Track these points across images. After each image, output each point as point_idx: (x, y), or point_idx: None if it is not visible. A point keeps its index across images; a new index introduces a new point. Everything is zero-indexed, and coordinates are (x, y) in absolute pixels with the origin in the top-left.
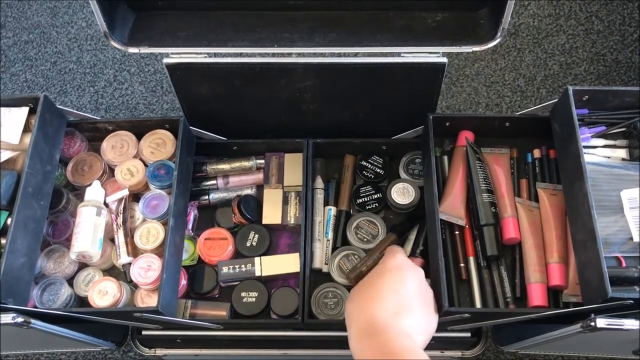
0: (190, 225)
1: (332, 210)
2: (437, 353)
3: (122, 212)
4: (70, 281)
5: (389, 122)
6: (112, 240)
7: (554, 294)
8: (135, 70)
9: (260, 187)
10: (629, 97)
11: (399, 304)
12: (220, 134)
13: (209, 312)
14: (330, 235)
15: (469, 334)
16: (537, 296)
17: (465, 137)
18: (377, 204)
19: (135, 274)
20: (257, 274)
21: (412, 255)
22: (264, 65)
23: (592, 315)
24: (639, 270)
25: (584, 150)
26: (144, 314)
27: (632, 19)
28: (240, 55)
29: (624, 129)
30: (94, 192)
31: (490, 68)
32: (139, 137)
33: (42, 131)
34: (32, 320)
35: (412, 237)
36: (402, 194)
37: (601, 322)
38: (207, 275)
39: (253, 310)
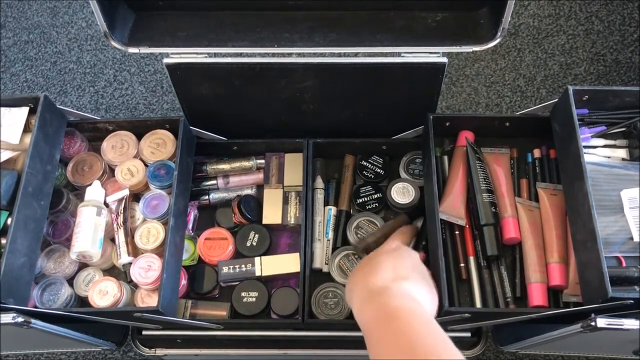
0: (190, 225)
1: (332, 210)
2: None
3: (122, 212)
4: (70, 281)
5: (389, 122)
6: (113, 240)
7: (554, 293)
8: (135, 70)
9: (260, 187)
10: (629, 97)
11: (396, 273)
12: (220, 134)
13: (209, 312)
14: (331, 235)
15: (469, 334)
16: (537, 296)
17: (466, 137)
18: (377, 204)
19: (135, 273)
20: (257, 274)
21: (415, 248)
22: (264, 65)
23: (592, 315)
24: (639, 270)
25: (584, 150)
26: (144, 314)
27: (632, 19)
28: (240, 55)
29: (624, 129)
30: (94, 192)
31: (490, 68)
32: (139, 137)
33: (42, 131)
34: (33, 320)
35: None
36: (402, 193)
37: (601, 322)
38: (207, 275)
39: (253, 310)
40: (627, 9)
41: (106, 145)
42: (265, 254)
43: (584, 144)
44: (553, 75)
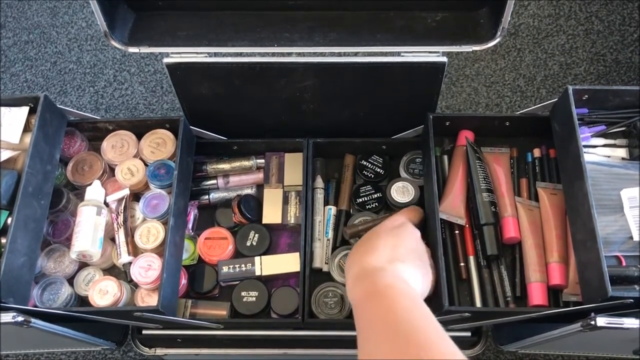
0: (190, 225)
1: (332, 209)
2: None
3: (122, 211)
4: (70, 280)
5: (389, 121)
6: (113, 239)
7: (554, 293)
8: (135, 70)
9: (260, 187)
10: (628, 96)
11: (393, 255)
12: (220, 134)
13: (209, 311)
14: (331, 234)
15: (469, 334)
16: (537, 295)
17: (465, 136)
18: (377, 204)
19: (135, 273)
20: (257, 273)
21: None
22: (264, 65)
23: (592, 314)
24: (639, 269)
25: (584, 150)
26: (144, 314)
27: (632, 19)
28: (240, 55)
29: (623, 128)
30: (94, 191)
31: (490, 68)
32: (139, 136)
33: (43, 131)
34: (33, 320)
35: None
36: (402, 192)
37: (601, 321)
38: (207, 274)
39: (253, 310)
40: (627, 9)
41: (106, 144)
42: (265, 253)
43: (583, 143)
44: (553, 75)
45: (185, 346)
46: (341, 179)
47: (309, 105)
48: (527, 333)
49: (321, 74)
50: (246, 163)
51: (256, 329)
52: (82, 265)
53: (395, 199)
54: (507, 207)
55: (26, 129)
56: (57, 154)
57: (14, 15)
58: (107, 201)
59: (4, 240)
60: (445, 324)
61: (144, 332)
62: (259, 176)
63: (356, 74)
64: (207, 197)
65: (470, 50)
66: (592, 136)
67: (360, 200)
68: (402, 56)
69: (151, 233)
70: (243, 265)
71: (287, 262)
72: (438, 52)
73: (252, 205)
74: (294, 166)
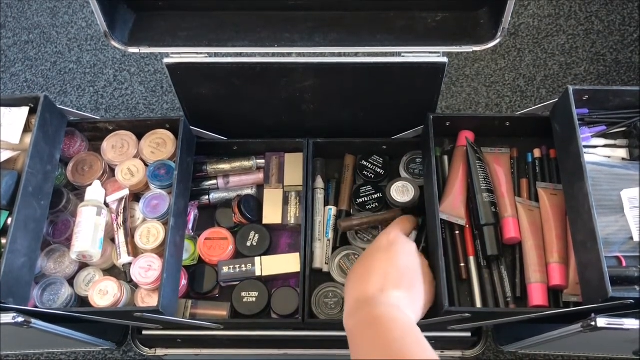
0: (190, 225)
1: (333, 210)
2: (437, 353)
3: (122, 211)
4: (70, 281)
5: (389, 121)
6: (113, 240)
7: (554, 293)
8: (135, 70)
9: (260, 187)
10: (629, 96)
11: (386, 281)
12: (220, 134)
13: (209, 312)
14: (331, 235)
15: (469, 334)
16: (537, 296)
17: (466, 136)
18: (377, 204)
19: (135, 273)
20: (258, 273)
21: (417, 242)
22: (264, 65)
23: (593, 315)
24: (639, 269)
25: (584, 150)
26: (144, 314)
27: (632, 19)
28: (241, 55)
29: (624, 129)
30: (95, 192)
31: (490, 68)
32: (140, 137)
33: (43, 131)
34: (33, 320)
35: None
36: (402, 192)
37: (601, 321)
38: (207, 275)
39: (253, 310)
40: (627, 9)
41: (106, 145)
42: (266, 253)
43: (584, 143)
44: (553, 75)
45: (185, 346)
46: (341, 179)
47: (309, 106)
48: (528, 333)
49: (321, 74)
50: (246, 163)
51: (256, 330)
52: (82, 265)
53: (396, 199)
54: (507, 208)
55: (26, 129)
56: (57, 154)
57: (14, 15)
58: (107, 201)
59: (4, 241)
60: (446, 324)
61: (144, 332)
62: (259, 176)
63: (356, 74)
64: (207, 197)
65: (471, 50)
66: (593, 136)
67: (361, 200)
68: (403, 56)
69: (151, 233)
70: (243, 266)
71: (287, 263)
72: (438, 52)
73: (252, 205)
74: (294, 166)
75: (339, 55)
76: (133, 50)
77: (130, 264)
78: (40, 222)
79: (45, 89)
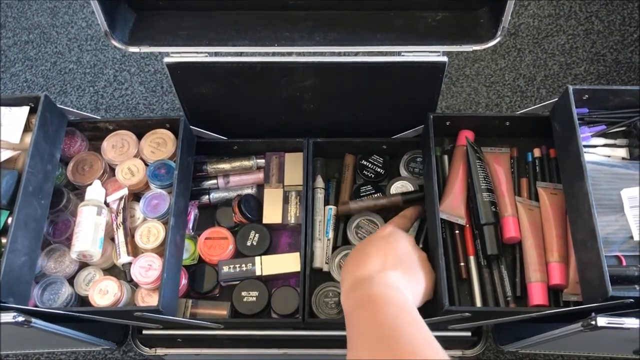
0: (190, 225)
1: (333, 209)
2: None
3: (122, 211)
4: (70, 280)
5: (389, 121)
6: (113, 239)
7: (554, 293)
8: (135, 70)
9: (260, 187)
10: (629, 96)
11: (385, 262)
12: (220, 134)
13: (209, 311)
14: (331, 234)
15: (469, 333)
16: (537, 295)
17: (466, 136)
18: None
19: (135, 273)
20: (258, 273)
21: (418, 235)
22: (265, 65)
23: (593, 314)
24: (639, 269)
25: (584, 150)
26: (144, 314)
27: (632, 19)
28: (241, 54)
29: (624, 128)
30: (95, 191)
31: (490, 68)
32: (140, 136)
33: (43, 130)
34: (33, 320)
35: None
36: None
37: (601, 320)
38: (207, 274)
39: (253, 310)
40: (627, 9)
41: (106, 144)
42: (266, 253)
43: (584, 143)
44: (553, 75)
45: (185, 346)
46: (341, 179)
47: (309, 105)
48: (528, 333)
49: (321, 73)
50: (246, 163)
51: (256, 329)
52: (83, 265)
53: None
54: (507, 207)
55: (26, 128)
56: (57, 153)
57: (14, 15)
58: (108, 201)
59: (4, 240)
60: (446, 324)
61: (144, 332)
62: (259, 176)
63: (356, 73)
64: (207, 197)
65: (471, 50)
66: (593, 136)
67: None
68: (403, 56)
69: (151, 233)
70: (243, 265)
71: (287, 262)
72: (438, 51)
73: (253, 205)
74: (294, 166)
75: (339, 54)
76: (133, 49)
77: (130, 263)
78: (41, 221)
79: (45, 89)
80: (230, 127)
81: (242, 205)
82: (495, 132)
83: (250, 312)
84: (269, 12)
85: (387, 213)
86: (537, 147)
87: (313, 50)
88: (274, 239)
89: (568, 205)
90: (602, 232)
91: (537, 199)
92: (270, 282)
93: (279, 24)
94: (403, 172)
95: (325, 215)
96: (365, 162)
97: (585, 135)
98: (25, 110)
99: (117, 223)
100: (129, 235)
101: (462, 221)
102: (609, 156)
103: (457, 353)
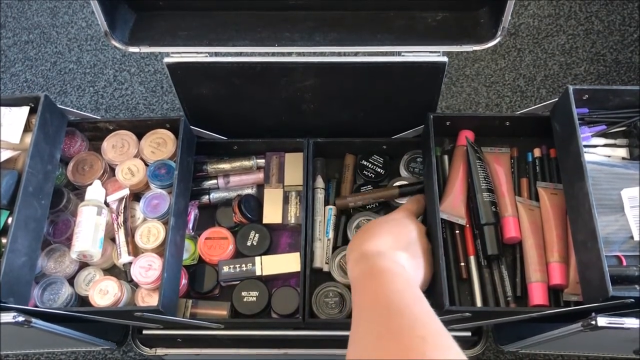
0: (190, 225)
1: (333, 209)
2: None
3: (122, 211)
4: (70, 280)
5: (390, 121)
6: (113, 239)
7: (554, 293)
8: (135, 70)
9: (260, 187)
10: (629, 96)
11: (394, 242)
12: (220, 134)
13: (209, 311)
14: (331, 234)
15: (469, 333)
16: (537, 295)
17: (466, 136)
18: (377, 203)
19: (135, 273)
20: (258, 273)
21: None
22: (265, 65)
23: (593, 314)
24: (639, 269)
25: (585, 150)
26: (144, 314)
27: (632, 19)
28: (241, 54)
29: (624, 128)
30: (95, 191)
31: (490, 68)
32: (140, 136)
33: (43, 131)
34: (33, 320)
35: None
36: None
37: (602, 320)
38: (207, 274)
39: (254, 310)
40: (627, 9)
41: (107, 144)
42: (266, 253)
43: (584, 143)
44: (553, 75)
45: (185, 346)
46: (341, 179)
47: (309, 105)
48: (528, 333)
49: (321, 73)
50: (246, 163)
51: (257, 329)
52: (83, 265)
53: (397, 201)
54: (507, 207)
55: (26, 128)
56: (57, 153)
57: (14, 15)
58: (108, 201)
59: (4, 240)
60: (446, 324)
61: (144, 332)
62: (260, 176)
63: (356, 73)
64: (207, 197)
65: (471, 50)
66: (593, 136)
67: None
68: (403, 56)
69: (152, 233)
70: (243, 265)
71: (287, 262)
72: (438, 52)
73: (253, 205)
74: (294, 166)
75: (339, 54)
76: (133, 49)
77: (130, 263)
78: (41, 221)
79: (45, 89)
80: (230, 127)
81: (242, 205)
82: (495, 132)
83: (250, 312)
84: (269, 13)
85: (387, 211)
86: (538, 147)
87: (313, 51)
88: (274, 239)
89: (568, 205)
90: (602, 232)
91: (537, 199)
92: (271, 282)
93: (279, 24)
94: (403, 172)
95: (325, 215)
96: (365, 162)
97: (586, 135)
98: (25, 110)
99: (118, 223)
100: (130, 235)
101: (463, 221)
102: (609, 156)
103: None
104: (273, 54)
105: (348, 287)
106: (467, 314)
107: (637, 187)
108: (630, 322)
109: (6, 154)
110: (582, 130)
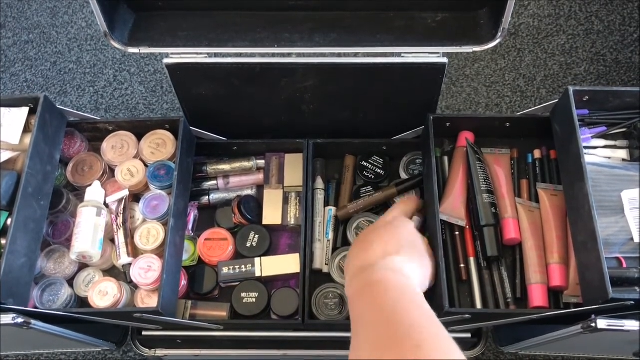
0: (190, 226)
1: (333, 210)
2: None
3: (122, 212)
4: (70, 282)
5: (389, 122)
6: (112, 240)
7: (554, 294)
8: (135, 70)
9: (260, 188)
10: (629, 97)
11: (387, 247)
12: (220, 134)
13: (209, 312)
14: (331, 235)
15: (469, 335)
16: (537, 297)
17: (466, 137)
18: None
19: (135, 274)
20: (257, 274)
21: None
22: (264, 66)
23: (593, 316)
24: (639, 271)
25: (585, 151)
26: (144, 315)
27: (632, 19)
28: (241, 55)
29: (624, 130)
30: (94, 192)
31: (490, 68)
32: (139, 137)
33: (42, 131)
34: (32, 321)
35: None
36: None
37: (602, 323)
38: (207, 275)
39: (253, 311)
40: (627, 9)
41: (106, 145)
42: (265, 254)
43: (584, 144)
44: (553, 75)
45: (185, 347)
46: (341, 180)
47: (309, 106)
48: (528, 334)
49: (321, 74)
50: (246, 164)
51: (256, 330)
52: (82, 266)
53: (396, 200)
54: (507, 208)
55: (26, 129)
56: (57, 154)
57: (14, 15)
58: (107, 202)
59: (3, 241)
60: (446, 325)
61: (144, 333)
62: (259, 177)
63: (356, 74)
64: (207, 197)
65: (471, 51)
66: (593, 137)
67: None
68: (403, 57)
69: (151, 234)
70: (243, 266)
71: (287, 263)
72: (438, 52)
73: (252, 206)
74: (294, 167)
75: (339, 55)
76: (133, 50)
77: (130, 264)
78: (40, 222)
79: (45, 89)
80: (230, 128)
81: (242, 206)
82: (495, 133)
83: (249, 313)
84: (268, 13)
85: (386, 211)
86: (538, 149)
87: (313, 51)
88: (273, 240)
89: (568, 206)
90: (602, 233)
91: (537, 201)
92: (270, 283)
93: (279, 25)
94: (403, 174)
95: (325, 216)
96: (365, 163)
97: (586, 137)
98: (24, 111)
99: (117, 224)
100: (130, 236)
101: (462, 222)
102: (609, 157)
103: None
104: (273, 55)
105: None
106: (467, 315)
107: (637, 189)
108: (630, 325)
109: (6, 155)
110: (582, 131)
